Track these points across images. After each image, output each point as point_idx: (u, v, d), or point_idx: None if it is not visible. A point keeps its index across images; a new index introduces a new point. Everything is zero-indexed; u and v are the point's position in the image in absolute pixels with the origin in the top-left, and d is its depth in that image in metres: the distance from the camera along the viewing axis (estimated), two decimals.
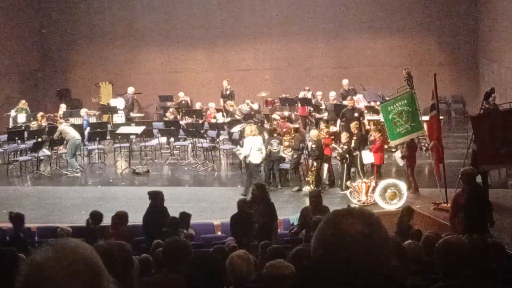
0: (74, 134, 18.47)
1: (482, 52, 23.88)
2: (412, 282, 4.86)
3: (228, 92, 23.20)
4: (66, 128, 18.67)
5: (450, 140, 19.29)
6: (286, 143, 16.16)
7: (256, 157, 15.61)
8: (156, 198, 11.59)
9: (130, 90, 24.04)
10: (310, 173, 15.75)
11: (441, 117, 15.57)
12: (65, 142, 18.62)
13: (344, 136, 15.95)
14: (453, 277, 3.96)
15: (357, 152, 15.61)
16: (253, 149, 15.57)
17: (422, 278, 5.21)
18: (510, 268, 6.21)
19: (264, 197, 11.60)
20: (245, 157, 15.75)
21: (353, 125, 16.43)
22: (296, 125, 18.99)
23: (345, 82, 22.26)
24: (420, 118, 14.39)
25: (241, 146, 16.22)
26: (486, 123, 12.63)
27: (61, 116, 21.96)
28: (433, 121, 13.97)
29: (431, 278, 5.05)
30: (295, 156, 16.02)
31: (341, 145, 15.73)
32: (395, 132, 14.44)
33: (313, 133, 16.23)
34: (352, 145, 15.78)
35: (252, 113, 21.15)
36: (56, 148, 19.05)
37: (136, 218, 12.11)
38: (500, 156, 12.26)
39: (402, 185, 14.17)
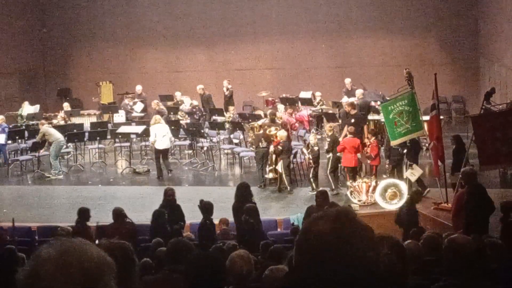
0: (57, 136, 18.21)
1: (483, 52, 23.88)
2: (412, 282, 4.86)
3: (227, 93, 23.16)
4: (49, 130, 18.39)
5: (451, 140, 19.24)
6: (249, 139, 16.26)
7: (161, 143, 17.42)
8: (164, 195, 11.81)
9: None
10: (272, 165, 15.97)
11: (441, 117, 15.58)
12: (47, 143, 18.39)
13: (312, 138, 15.95)
14: (457, 275, 3.97)
15: (330, 155, 15.60)
16: (158, 135, 17.40)
17: (422, 278, 5.21)
18: (510, 268, 6.21)
19: (246, 197, 11.61)
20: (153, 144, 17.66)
21: (327, 128, 16.44)
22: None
23: (347, 81, 22.08)
24: (421, 118, 14.39)
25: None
26: (487, 123, 12.63)
27: (63, 115, 22.00)
28: (433, 121, 13.98)
29: (432, 278, 5.06)
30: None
31: (308, 151, 15.72)
32: (395, 132, 14.43)
33: (282, 133, 16.18)
34: (326, 147, 15.80)
35: (194, 110, 21.36)
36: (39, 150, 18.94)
37: (136, 217, 12.15)
38: (500, 156, 12.26)
39: (403, 185, 14.18)
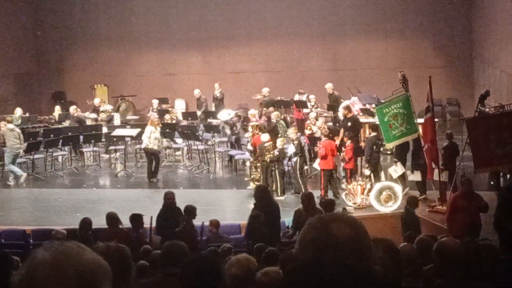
0: (14, 142, 17.62)
1: (477, 54, 23.94)
2: (406, 284, 4.86)
3: (219, 95, 23.08)
4: (7, 133, 17.75)
5: (445, 142, 19.27)
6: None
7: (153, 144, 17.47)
8: (164, 199, 11.82)
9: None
10: (254, 170, 16.00)
11: (436, 120, 15.62)
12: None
13: (279, 142, 15.93)
14: (447, 277, 3.98)
15: (296, 158, 15.66)
16: (151, 137, 17.36)
17: (417, 281, 5.21)
18: (504, 271, 6.22)
19: (265, 199, 11.57)
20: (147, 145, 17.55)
21: (292, 131, 16.49)
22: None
23: (328, 86, 21.88)
24: (415, 121, 14.43)
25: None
26: (481, 125, 12.66)
27: (56, 118, 21.94)
28: (428, 124, 14.01)
29: (425, 280, 5.06)
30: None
31: (274, 151, 15.78)
32: (390, 135, 14.47)
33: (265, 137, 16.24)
34: (294, 150, 15.80)
35: (111, 115, 21.63)
36: (51, 150, 19.00)
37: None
38: (495, 158, 12.28)
39: (398, 188, 14.20)
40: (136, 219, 11.17)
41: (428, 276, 5.10)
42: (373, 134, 15.40)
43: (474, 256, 4.78)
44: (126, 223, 12.29)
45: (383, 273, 2.02)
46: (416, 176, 14.69)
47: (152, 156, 17.64)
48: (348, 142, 15.65)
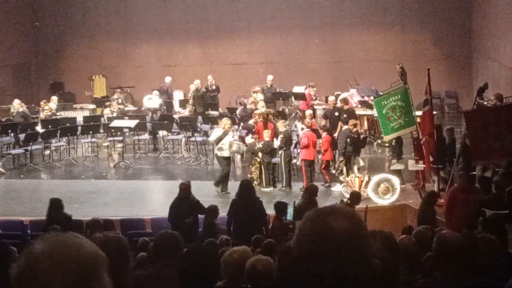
0: None
1: (476, 47, 23.92)
2: (404, 277, 4.87)
3: (213, 87, 22.93)
4: None
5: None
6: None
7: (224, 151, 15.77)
8: (182, 190, 11.62)
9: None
10: (254, 168, 15.95)
11: (434, 112, 15.62)
12: None
13: (266, 134, 15.91)
14: (445, 270, 3.98)
15: (281, 151, 15.67)
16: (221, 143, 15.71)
17: (414, 273, 5.22)
18: (504, 264, 6.22)
19: (249, 194, 11.53)
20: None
21: (280, 124, 16.51)
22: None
23: (269, 78, 22.41)
24: (414, 113, 14.42)
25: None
26: (480, 118, 12.66)
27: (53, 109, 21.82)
28: (426, 116, 14.01)
29: (424, 273, 5.06)
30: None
31: (259, 143, 15.81)
32: (388, 127, 14.46)
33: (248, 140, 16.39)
34: (279, 143, 15.78)
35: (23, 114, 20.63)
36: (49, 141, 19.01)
37: (128, 211, 12.12)
38: (493, 152, 12.29)
39: (395, 180, 14.22)
40: (281, 208, 11.19)
41: (426, 268, 5.10)
42: (345, 127, 15.59)
43: (472, 250, 4.78)
44: (122, 214, 12.30)
45: (381, 266, 2.01)
46: (399, 165, 14.84)
47: (226, 162, 15.96)
48: (324, 134, 15.76)
